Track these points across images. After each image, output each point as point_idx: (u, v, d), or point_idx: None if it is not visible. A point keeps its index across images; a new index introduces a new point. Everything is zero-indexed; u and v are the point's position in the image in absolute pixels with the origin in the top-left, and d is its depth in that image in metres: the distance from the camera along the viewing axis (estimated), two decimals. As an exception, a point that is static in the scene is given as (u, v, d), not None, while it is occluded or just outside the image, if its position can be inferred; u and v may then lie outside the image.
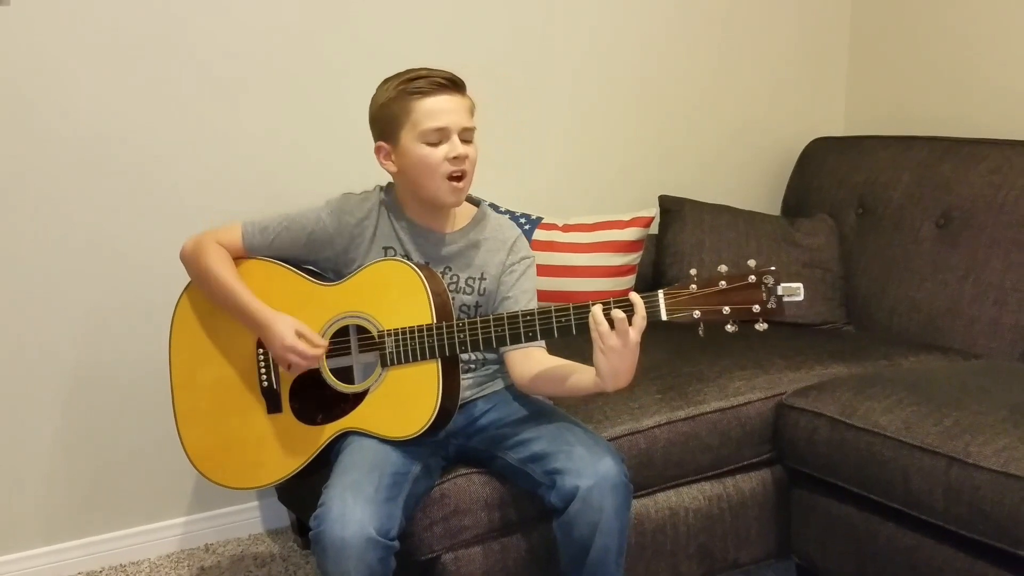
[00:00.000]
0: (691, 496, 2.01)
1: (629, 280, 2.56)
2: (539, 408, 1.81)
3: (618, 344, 1.52)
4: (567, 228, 2.54)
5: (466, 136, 1.72)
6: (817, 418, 1.97)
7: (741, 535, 2.07)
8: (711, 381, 2.08)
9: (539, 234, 2.50)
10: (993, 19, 2.66)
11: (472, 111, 1.74)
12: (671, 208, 2.69)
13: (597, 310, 1.53)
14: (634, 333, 1.51)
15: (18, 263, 2.19)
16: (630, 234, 2.54)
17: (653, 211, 2.63)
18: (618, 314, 1.51)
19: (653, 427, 1.95)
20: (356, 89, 2.41)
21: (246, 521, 2.53)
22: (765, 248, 2.59)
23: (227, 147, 2.34)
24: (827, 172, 2.82)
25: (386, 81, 1.74)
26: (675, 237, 2.64)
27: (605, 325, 1.52)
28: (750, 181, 3.03)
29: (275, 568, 2.35)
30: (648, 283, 2.66)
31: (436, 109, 1.68)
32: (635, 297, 1.53)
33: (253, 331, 1.76)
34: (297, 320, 1.72)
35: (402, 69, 1.75)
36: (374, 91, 1.77)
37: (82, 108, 2.19)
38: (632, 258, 2.56)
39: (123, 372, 2.32)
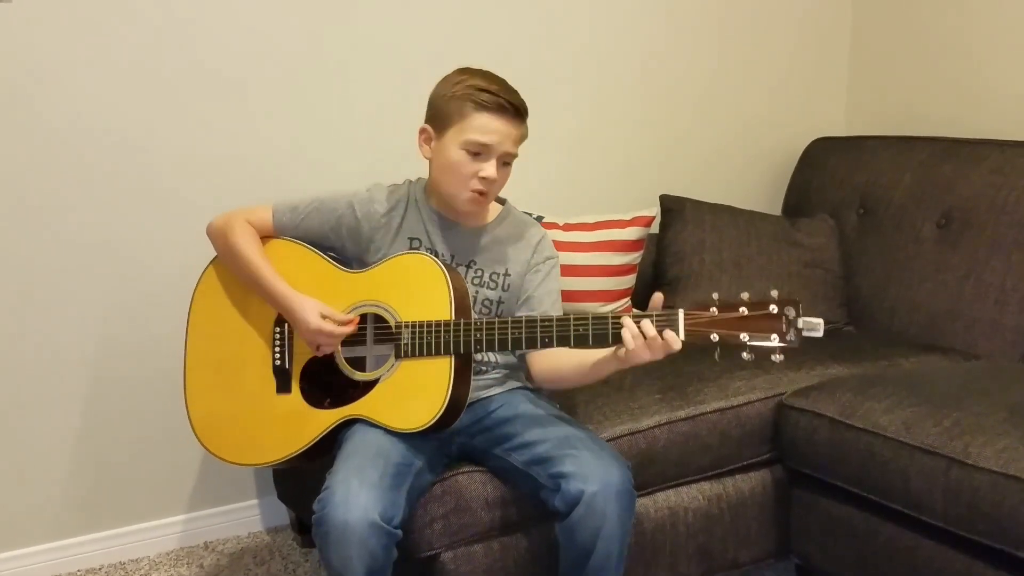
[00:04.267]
0: (691, 496, 2.01)
1: (629, 279, 2.56)
2: (545, 411, 1.81)
3: (647, 356, 1.56)
4: (568, 227, 2.54)
5: (506, 159, 1.75)
6: (817, 418, 1.97)
7: (741, 535, 2.07)
8: (711, 381, 2.08)
9: (540, 233, 2.50)
10: (994, 19, 2.66)
11: (522, 140, 1.77)
12: (672, 207, 2.69)
13: (631, 324, 1.55)
14: (661, 354, 1.55)
15: (19, 262, 2.19)
16: (631, 233, 2.54)
17: (654, 210, 2.63)
18: (649, 330, 1.53)
19: (653, 427, 1.95)
20: (358, 89, 2.45)
21: (246, 519, 2.53)
22: (766, 248, 2.59)
23: (229, 147, 2.33)
24: (828, 172, 2.82)
25: (461, 73, 1.75)
26: (676, 237, 2.64)
27: (641, 339, 1.54)
28: (751, 181, 3.03)
29: (274, 566, 2.35)
30: (648, 283, 2.66)
31: (489, 127, 1.70)
32: (671, 335, 1.53)
33: (278, 311, 1.78)
34: (320, 302, 1.74)
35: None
36: (438, 81, 1.77)
37: (84, 108, 2.18)
38: (633, 257, 2.55)
39: (124, 370, 2.31)
